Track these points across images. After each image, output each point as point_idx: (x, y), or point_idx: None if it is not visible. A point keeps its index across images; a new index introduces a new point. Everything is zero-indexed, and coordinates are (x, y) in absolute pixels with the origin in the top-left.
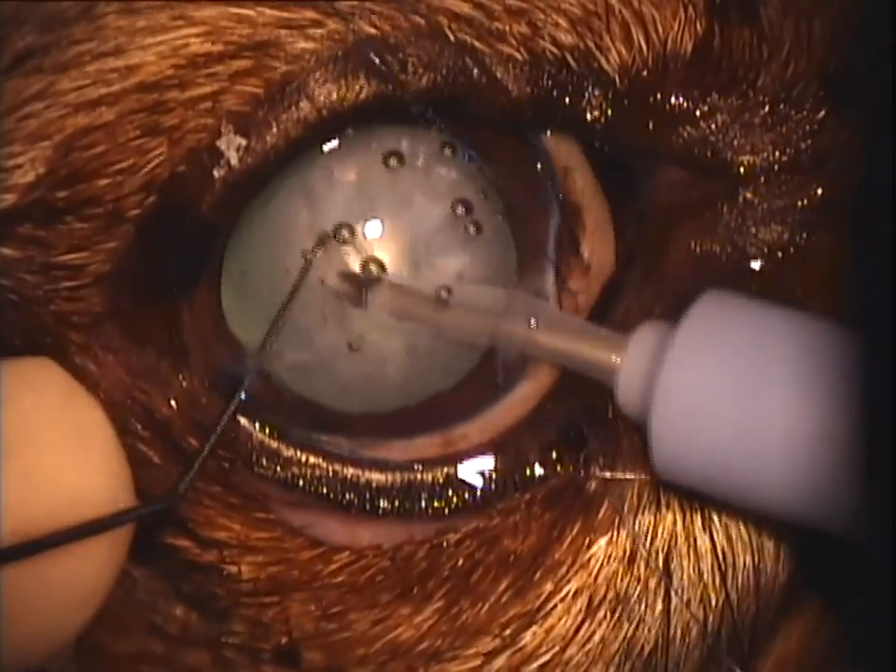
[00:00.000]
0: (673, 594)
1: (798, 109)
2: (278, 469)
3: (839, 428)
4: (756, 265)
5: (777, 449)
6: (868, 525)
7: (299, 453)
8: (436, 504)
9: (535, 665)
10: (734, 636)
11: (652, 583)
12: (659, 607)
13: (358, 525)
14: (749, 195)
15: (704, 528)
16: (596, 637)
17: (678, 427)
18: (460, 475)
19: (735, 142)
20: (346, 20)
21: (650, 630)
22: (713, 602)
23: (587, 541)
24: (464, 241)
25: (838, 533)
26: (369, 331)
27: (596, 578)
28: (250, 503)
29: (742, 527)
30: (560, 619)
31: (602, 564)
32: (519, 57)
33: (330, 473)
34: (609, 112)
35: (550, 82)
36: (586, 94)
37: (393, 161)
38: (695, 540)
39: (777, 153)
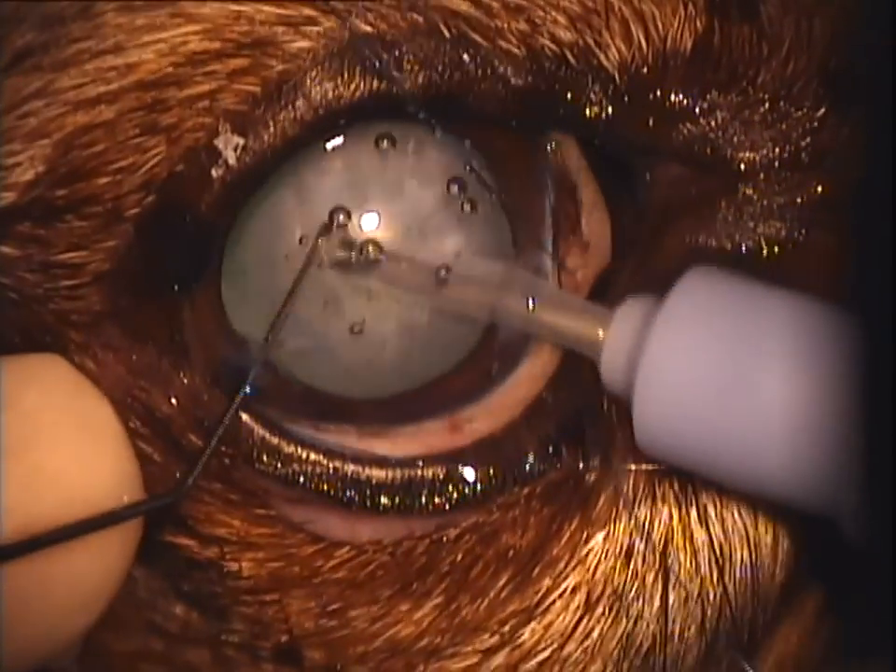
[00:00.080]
0: (671, 589)
1: (798, 107)
2: (279, 465)
3: (829, 407)
4: (754, 261)
5: (765, 426)
6: (862, 505)
7: (299, 449)
8: (436, 500)
9: (533, 661)
10: (732, 631)
11: (650, 579)
12: (657, 602)
13: (359, 520)
14: (748, 191)
15: (700, 522)
16: (595, 634)
17: (661, 403)
18: (460, 470)
19: (735, 139)
20: (343, 18)
21: (648, 626)
22: (711, 597)
23: (585, 536)
24: (459, 220)
25: (823, 514)
26: (370, 315)
27: (594, 573)
28: (250, 499)
29: (738, 520)
30: (559, 615)
31: (600, 559)
32: (518, 54)
33: (331, 470)
34: (609, 109)
35: (549, 79)
36: (586, 91)
37: (385, 144)
38: (692, 534)
39: (777, 150)
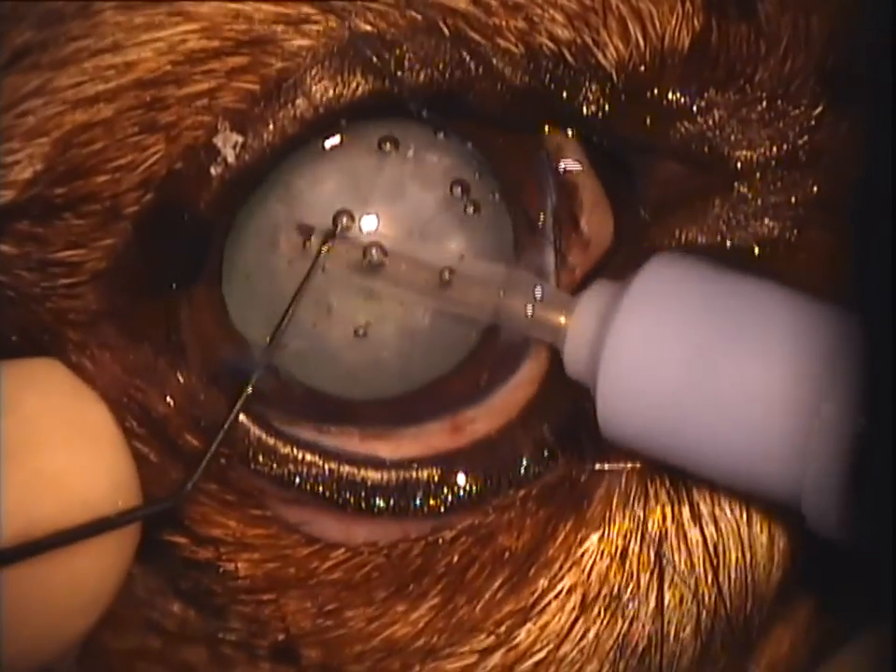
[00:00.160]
0: (666, 589)
1: (795, 105)
2: (275, 465)
3: (793, 392)
4: (747, 259)
5: (727, 412)
6: (828, 497)
7: (295, 450)
8: (431, 502)
9: (529, 662)
10: (727, 631)
11: (645, 579)
12: (652, 603)
13: (354, 522)
14: (743, 190)
15: (694, 521)
16: (591, 634)
17: (625, 390)
18: (455, 473)
19: (732, 137)
20: (342, 16)
21: (644, 627)
22: (706, 597)
23: (580, 537)
24: (462, 221)
25: (787, 503)
26: (373, 318)
27: (590, 574)
28: (246, 500)
29: (732, 519)
30: (554, 616)
31: (595, 560)
32: (516, 52)
33: (327, 471)
34: (607, 107)
35: (547, 77)
36: (583, 89)
37: (387, 146)
38: (686, 534)
39: (774, 149)
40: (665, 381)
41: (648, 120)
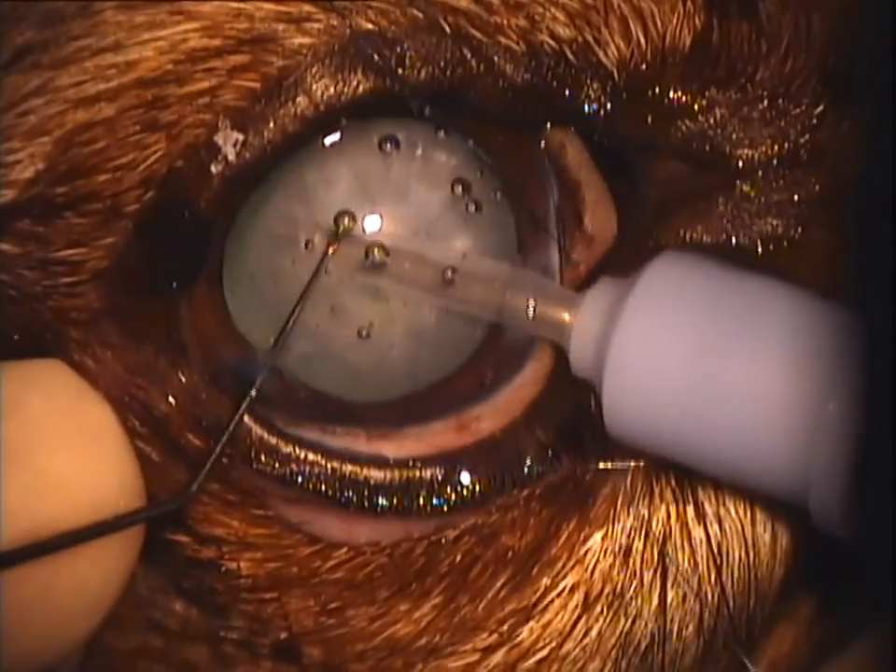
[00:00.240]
0: (669, 588)
1: (797, 104)
2: (277, 465)
3: (800, 390)
4: (750, 258)
5: (733, 410)
6: (833, 494)
7: (297, 449)
8: (434, 501)
9: (532, 660)
10: (730, 630)
11: (648, 578)
12: (655, 601)
13: (357, 521)
14: (746, 188)
15: (698, 520)
16: (593, 633)
17: (630, 387)
18: (458, 472)
19: (734, 136)
20: (343, 15)
21: (646, 625)
22: (709, 596)
23: (583, 536)
24: (465, 220)
25: (793, 500)
26: (377, 319)
27: (592, 573)
28: (248, 500)
29: (736, 518)
30: (557, 614)
31: (598, 559)
32: (517, 50)
33: (329, 470)
34: (608, 105)
35: (548, 75)
36: (584, 88)
37: (388, 146)
38: (690, 533)
39: (776, 147)
40: (671, 378)
41: (649, 119)
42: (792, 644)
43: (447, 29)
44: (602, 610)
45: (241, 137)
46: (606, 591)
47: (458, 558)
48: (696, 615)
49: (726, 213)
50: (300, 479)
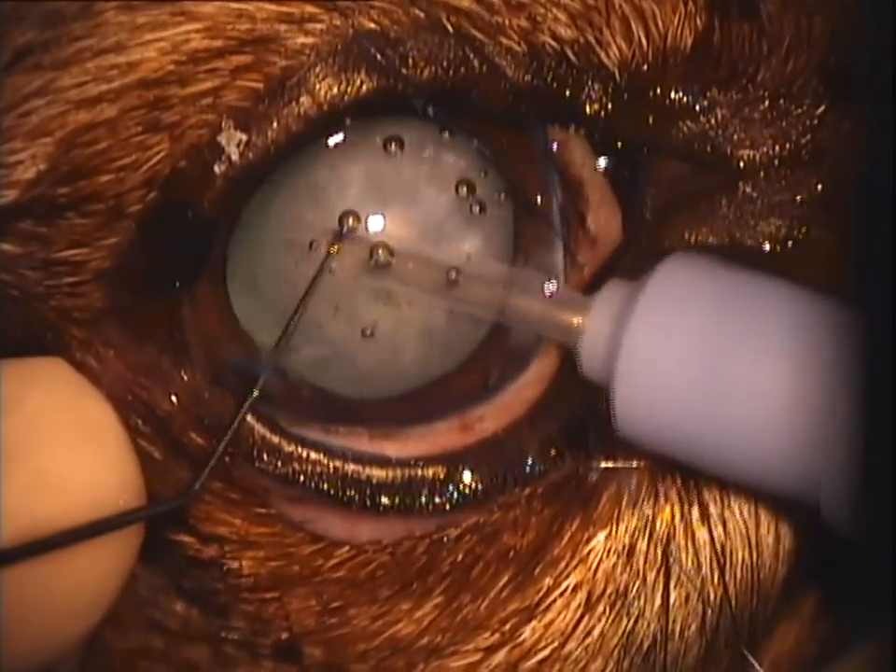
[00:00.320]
0: (672, 588)
1: (798, 104)
2: (279, 464)
3: (811, 391)
4: (754, 259)
5: (745, 411)
6: (844, 493)
7: (300, 448)
8: (436, 500)
9: (534, 660)
10: (732, 630)
11: (651, 578)
12: (658, 601)
13: (359, 520)
14: (748, 189)
15: (702, 521)
16: (596, 632)
17: (641, 390)
18: (460, 471)
19: (735, 136)
20: (346, 14)
21: (649, 625)
22: (712, 596)
23: (586, 536)
24: (469, 221)
25: (805, 501)
26: (381, 318)
27: (595, 572)
28: (251, 498)
29: (740, 520)
30: (559, 614)
31: (601, 558)
32: (519, 50)
33: (331, 469)
34: (609, 106)
35: (550, 75)
36: (586, 88)
37: (393, 147)
38: (694, 534)
39: (777, 148)
40: (682, 380)
41: (650, 120)
42: (795, 641)
43: (449, 29)
44: (605, 610)
45: (244, 137)
46: (609, 591)
47: (460, 557)
48: (699, 615)
49: (729, 214)
50: (302, 478)
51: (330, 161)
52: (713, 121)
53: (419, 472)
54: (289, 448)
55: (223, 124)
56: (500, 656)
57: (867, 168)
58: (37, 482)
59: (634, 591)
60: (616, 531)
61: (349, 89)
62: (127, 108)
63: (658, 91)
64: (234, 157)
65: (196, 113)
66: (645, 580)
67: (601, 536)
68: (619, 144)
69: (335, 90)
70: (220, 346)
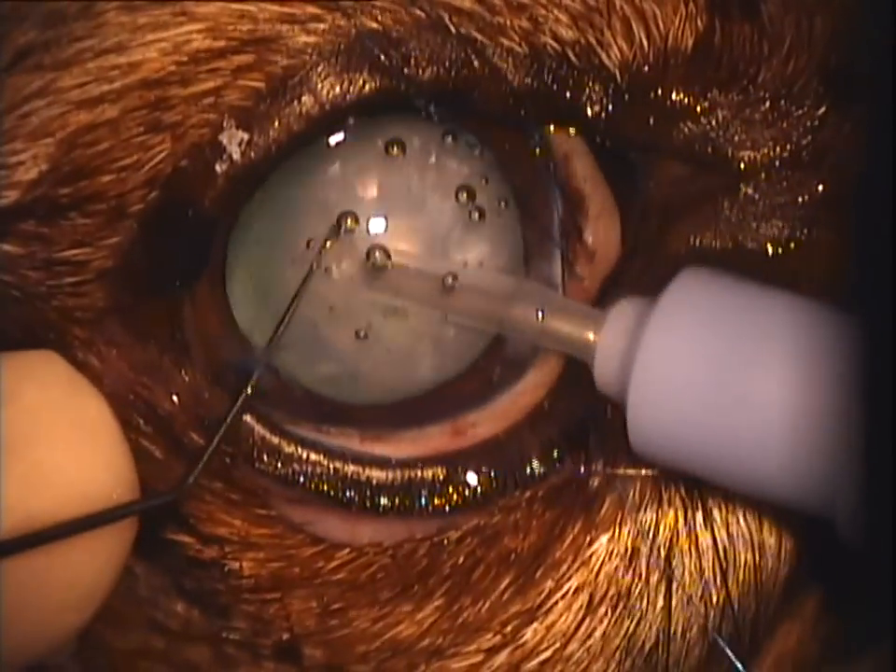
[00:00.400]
0: (674, 590)
1: (799, 105)
2: (279, 465)
3: (825, 407)
4: (757, 261)
5: (760, 427)
6: (859, 507)
7: (300, 449)
8: (437, 501)
9: (536, 661)
10: (734, 633)
11: (653, 580)
12: (660, 603)
13: (359, 522)
14: (749, 191)
15: (705, 525)
16: (597, 634)
17: (656, 405)
18: (461, 472)
19: (736, 138)
20: (348, 14)
21: (651, 627)
22: (714, 599)
23: (588, 539)
24: (468, 228)
25: (820, 515)
26: (376, 321)
27: (598, 575)
28: (251, 499)
29: (743, 524)
30: (561, 615)
31: (603, 561)
32: (520, 51)
33: (331, 470)
34: (610, 107)
35: (550, 76)
36: (587, 89)
37: (394, 150)
38: (697, 537)
39: (778, 149)
40: (697, 395)
41: (651, 121)
42: (797, 641)
43: (451, 29)
44: (606, 612)
45: (246, 137)
46: (611, 593)
47: (461, 559)
48: (701, 616)
49: (731, 216)
50: (302, 478)
51: (331, 162)
52: (714, 122)
53: (419, 474)
54: (289, 449)
55: (225, 123)
56: (502, 657)
57: (868, 168)
58: (33, 475)
59: (636, 593)
60: (619, 534)
61: (352, 88)
62: (128, 109)
63: (659, 92)
64: (236, 156)
65: (198, 113)
66: (647, 582)
67: (603, 539)
68: (619, 145)
69: (337, 89)
70: (220, 346)
